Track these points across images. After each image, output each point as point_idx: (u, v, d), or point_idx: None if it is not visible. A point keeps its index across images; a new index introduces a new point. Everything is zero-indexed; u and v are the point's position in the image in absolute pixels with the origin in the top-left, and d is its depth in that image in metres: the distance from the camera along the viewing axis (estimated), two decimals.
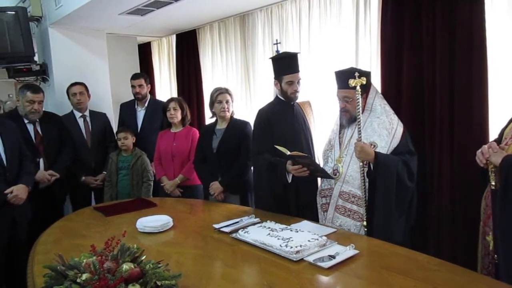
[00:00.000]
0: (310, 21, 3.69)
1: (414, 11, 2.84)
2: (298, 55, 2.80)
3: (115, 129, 4.23)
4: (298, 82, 2.76)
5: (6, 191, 2.71)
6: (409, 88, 2.91)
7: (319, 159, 2.89)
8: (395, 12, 2.93)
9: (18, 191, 2.75)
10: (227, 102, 3.20)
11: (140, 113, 4.22)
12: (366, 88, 2.41)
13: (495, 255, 1.90)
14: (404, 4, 2.88)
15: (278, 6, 3.94)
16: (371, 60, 3.24)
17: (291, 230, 2.16)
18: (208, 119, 4.79)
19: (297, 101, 2.87)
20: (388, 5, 2.97)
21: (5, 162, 2.79)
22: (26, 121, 3.43)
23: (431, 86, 2.80)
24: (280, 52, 3.07)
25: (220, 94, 3.21)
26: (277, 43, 3.24)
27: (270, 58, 2.89)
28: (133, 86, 4.16)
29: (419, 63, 2.86)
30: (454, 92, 2.69)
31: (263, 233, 2.14)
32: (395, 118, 2.44)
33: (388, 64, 3.01)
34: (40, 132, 3.49)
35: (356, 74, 2.29)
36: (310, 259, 1.84)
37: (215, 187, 3.16)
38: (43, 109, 3.53)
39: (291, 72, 2.73)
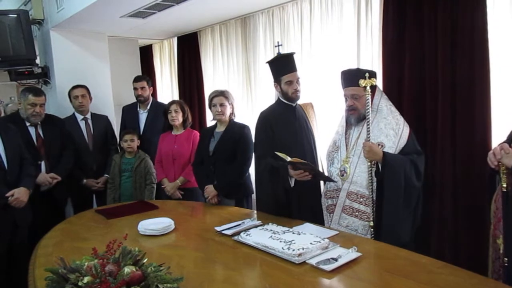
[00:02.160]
0: (311, 23, 3.69)
1: (416, 12, 2.84)
2: (296, 55, 2.80)
3: (116, 132, 4.23)
4: (297, 81, 2.75)
5: (7, 194, 2.70)
6: (411, 89, 2.91)
7: (321, 161, 2.88)
8: (396, 13, 2.93)
9: (19, 194, 2.74)
10: (221, 105, 3.15)
11: (142, 115, 4.22)
12: (372, 89, 2.41)
13: (506, 258, 1.88)
14: (406, 5, 2.88)
15: (279, 8, 3.94)
16: (372, 61, 3.24)
17: (293, 233, 2.15)
18: (209, 121, 4.82)
19: (299, 102, 2.86)
20: (389, 6, 2.97)
21: (5, 165, 2.79)
22: (27, 123, 3.43)
23: (433, 86, 2.79)
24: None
25: (214, 97, 3.19)
26: (278, 45, 3.23)
27: (267, 62, 2.88)
28: (135, 89, 4.17)
29: (420, 63, 2.85)
30: (456, 92, 2.68)
31: (265, 235, 2.13)
32: (401, 118, 2.44)
33: (390, 65, 3.00)
34: (41, 135, 3.49)
35: (367, 74, 2.31)
36: (312, 261, 1.83)
37: (209, 190, 3.12)
38: (45, 112, 3.53)
39: (289, 72, 2.72)
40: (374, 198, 2.34)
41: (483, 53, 2.53)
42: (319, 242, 1.97)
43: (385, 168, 2.29)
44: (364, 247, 1.98)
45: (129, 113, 4.30)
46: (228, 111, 3.20)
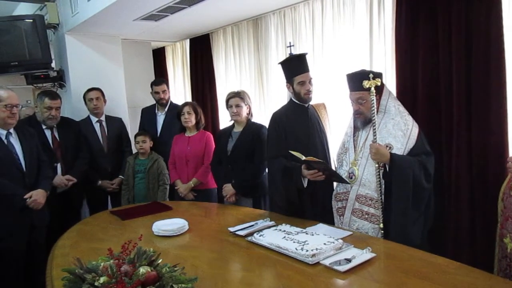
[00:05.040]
0: (323, 24, 3.68)
1: (429, 12, 2.81)
2: (307, 55, 2.79)
3: (130, 134, 4.27)
4: (310, 82, 2.75)
5: (25, 196, 2.76)
6: (425, 89, 2.87)
7: (334, 162, 2.87)
8: (409, 12, 2.90)
9: (37, 196, 2.80)
10: (237, 106, 3.20)
11: (160, 118, 4.25)
12: (379, 90, 2.39)
13: None
14: (419, 4, 2.85)
15: (291, 9, 3.94)
16: (385, 62, 3.21)
17: (306, 233, 2.15)
18: (222, 122, 4.84)
19: (312, 103, 2.85)
20: (402, 5, 2.94)
21: (24, 167, 2.84)
22: (44, 126, 3.49)
23: (448, 87, 2.75)
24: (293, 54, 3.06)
25: (230, 98, 3.24)
26: (290, 46, 3.23)
27: (279, 63, 2.88)
28: (156, 92, 4.18)
29: (435, 64, 2.82)
30: (471, 92, 2.64)
31: (279, 236, 2.13)
32: (409, 118, 2.41)
33: (403, 66, 2.97)
34: (57, 138, 3.55)
35: (370, 75, 2.28)
36: (326, 262, 1.83)
37: (228, 189, 3.17)
38: (60, 115, 3.59)
39: (301, 72, 2.72)
40: (383, 201, 2.32)
41: (499, 53, 2.49)
42: (333, 242, 1.97)
43: (392, 169, 2.27)
44: (378, 248, 1.97)
45: (147, 115, 4.34)
46: (244, 111, 3.23)
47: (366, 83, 2.28)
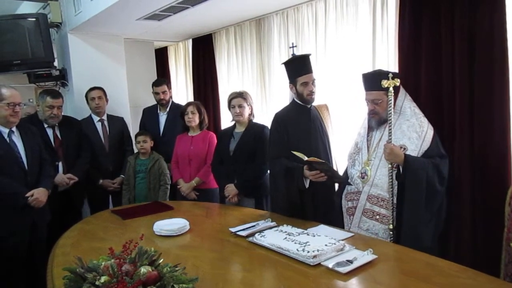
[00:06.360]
0: (326, 24, 3.67)
1: (432, 13, 2.80)
2: (311, 56, 2.79)
3: (132, 133, 4.27)
4: (313, 83, 2.74)
5: (27, 194, 2.76)
6: (428, 90, 2.86)
7: (336, 163, 2.86)
8: (412, 13, 2.89)
9: (39, 194, 2.80)
10: (240, 106, 3.19)
11: (162, 117, 4.24)
12: (395, 90, 2.38)
13: None
14: (422, 6, 2.85)
15: (294, 9, 3.93)
16: (388, 63, 3.20)
17: (308, 234, 2.14)
18: (224, 123, 4.84)
19: (314, 104, 2.85)
20: (405, 7, 2.93)
21: (26, 165, 2.84)
22: (45, 125, 3.49)
23: (450, 88, 2.75)
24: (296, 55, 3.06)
25: (232, 99, 3.22)
26: (293, 47, 3.23)
27: (282, 63, 2.88)
28: (156, 93, 4.17)
29: (437, 65, 2.81)
30: (474, 93, 2.63)
31: (280, 237, 2.13)
32: (425, 121, 2.40)
33: (406, 67, 2.97)
34: (59, 136, 3.55)
35: (390, 75, 2.27)
36: (328, 263, 1.82)
37: (230, 189, 3.16)
38: (62, 114, 3.59)
39: (305, 73, 2.71)
40: (395, 202, 2.31)
41: (502, 54, 2.48)
42: (334, 244, 1.96)
43: (406, 170, 2.26)
44: (380, 250, 1.96)
45: (149, 115, 4.32)
46: (246, 112, 3.23)
47: (385, 83, 2.27)
